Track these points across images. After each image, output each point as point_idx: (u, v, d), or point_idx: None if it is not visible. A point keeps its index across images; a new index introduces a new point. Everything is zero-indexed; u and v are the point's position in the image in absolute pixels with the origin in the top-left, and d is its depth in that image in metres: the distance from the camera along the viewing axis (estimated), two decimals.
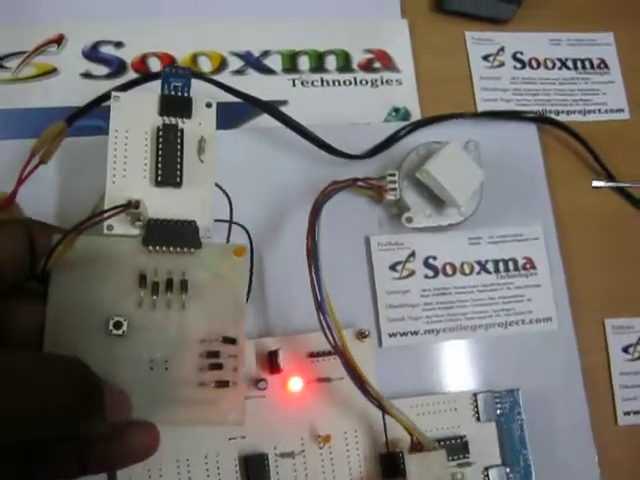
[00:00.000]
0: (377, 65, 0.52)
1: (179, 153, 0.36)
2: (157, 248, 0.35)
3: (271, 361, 0.42)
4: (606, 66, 0.56)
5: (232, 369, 0.35)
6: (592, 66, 0.55)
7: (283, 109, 0.49)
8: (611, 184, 0.52)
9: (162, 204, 0.36)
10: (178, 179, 0.36)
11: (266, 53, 0.51)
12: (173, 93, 0.37)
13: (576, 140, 0.52)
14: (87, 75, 0.49)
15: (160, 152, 0.36)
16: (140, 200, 0.34)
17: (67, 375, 0.28)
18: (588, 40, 0.56)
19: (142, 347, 0.34)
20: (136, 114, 0.37)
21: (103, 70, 0.49)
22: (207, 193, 0.37)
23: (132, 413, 0.32)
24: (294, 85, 0.51)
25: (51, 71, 0.48)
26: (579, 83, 0.55)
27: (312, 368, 0.43)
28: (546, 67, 0.55)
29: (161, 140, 0.36)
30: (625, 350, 0.49)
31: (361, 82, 0.52)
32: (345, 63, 0.52)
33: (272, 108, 0.45)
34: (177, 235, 0.35)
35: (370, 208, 0.48)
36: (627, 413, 0.48)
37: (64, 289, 0.34)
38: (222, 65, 0.51)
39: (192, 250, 0.35)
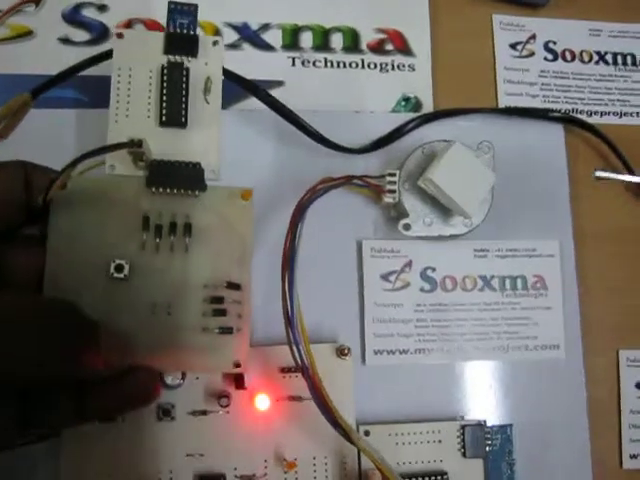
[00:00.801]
0: (389, 47, 0.47)
1: (184, 93, 0.36)
2: (161, 190, 0.34)
3: (237, 376, 0.38)
4: None
5: (236, 315, 0.34)
6: (634, 62, 0.49)
7: (278, 91, 0.44)
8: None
9: (166, 145, 0.35)
10: (183, 119, 0.35)
11: (265, 26, 0.46)
12: (179, 31, 0.36)
13: (608, 147, 0.46)
14: (65, 40, 0.44)
15: (165, 91, 0.36)
16: (143, 139, 0.33)
17: (62, 317, 0.28)
18: (634, 32, 0.50)
19: (144, 291, 0.33)
20: (140, 52, 0.36)
21: (83, 36, 0.44)
22: (213, 134, 0.36)
23: (133, 358, 0.32)
24: (293, 64, 0.45)
25: (27, 34, 0.44)
26: (617, 81, 0.49)
27: (283, 384, 0.39)
28: (581, 60, 0.49)
29: (166, 79, 0.36)
30: (639, 386, 0.44)
31: (369, 65, 0.46)
32: (353, 42, 0.46)
33: (261, 91, 0.40)
34: (182, 177, 0.34)
35: (366, 208, 0.43)
36: (634, 456, 0.43)
37: (64, 230, 0.33)
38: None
39: (197, 193, 0.34)
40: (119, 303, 0.33)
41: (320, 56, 0.46)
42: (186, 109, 0.36)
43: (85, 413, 0.31)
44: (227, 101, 0.40)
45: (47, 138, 0.42)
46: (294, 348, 0.35)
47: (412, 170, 0.42)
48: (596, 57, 0.49)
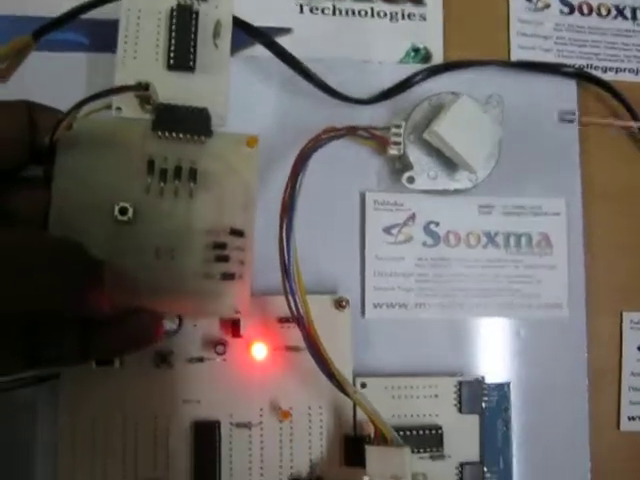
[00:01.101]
0: None
1: (193, 36, 0.36)
2: (167, 134, 0.34)
3: (233, 324, 0.38)
4: None
5: (239, 262, 0.34)
6: None
7: (286, 38, 0.43)
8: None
9: (174, 89, 0.35)
10: (191, 63, 0.35)
11: None
12: None
13: (621, 104, 0.45)
14: None
15: (173, 34, 0.35)
16: (150, 82, 0.33)
17: (69, 255, 0.29)
18: None
19: (148, 235, 0.33)
20: None
21: None
22: (222, 80, 0.36)
23: (136, 300, 0.32)
24: (301, 11, 0.44)
25: None
26: (636, 36, 0.47)
27: (280, 334, 0.39)
28: (599, 14, 0.47)
29: (175, 22, 0.36)
30: None
31: (379, 14, 0.45)
32: None
33: (266, 38, 0.40)
34: (188, 122, 0.34)
35: (370, 160, 0.43)
36: (632, 418, 0.43)
37: (70, 171, 0.33)
38: None
39: (203, 138, 0.34)
40: (123, 245, 0.33)
41: (329, 3, 0.44)
42: (194, 53, 0.36)
43: (89, 352, 0.31)
44: (233, 48, 0.39)
45: (49, 82, 0.41)
46: (290, 298, 0.35)
47: (418, 122, 0.41)
48: (614, 11, 0.47)
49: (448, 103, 0.39)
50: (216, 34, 0.36)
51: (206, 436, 0.38)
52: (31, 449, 0.38)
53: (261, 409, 0.39)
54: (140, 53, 0.36)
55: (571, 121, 0.44)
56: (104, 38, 0.41)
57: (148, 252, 0.33)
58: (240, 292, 0.34)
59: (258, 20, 0.42)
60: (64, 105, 0.32)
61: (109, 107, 0.35)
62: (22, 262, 0.27)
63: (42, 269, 0.27)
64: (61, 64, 0.42)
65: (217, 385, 0.38)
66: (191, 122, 0.34)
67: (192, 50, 0.35)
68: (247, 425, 0.38)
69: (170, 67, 0.35)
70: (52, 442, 0.38)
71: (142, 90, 0.33)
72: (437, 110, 0.40)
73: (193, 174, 0.34)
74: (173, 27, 0.36)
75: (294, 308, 0.35)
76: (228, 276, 0.34)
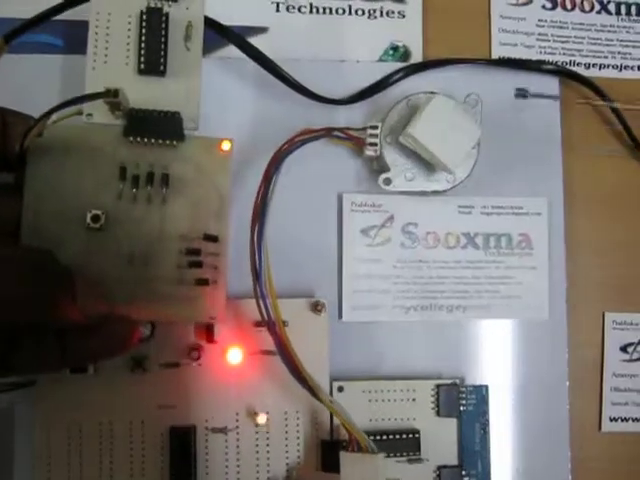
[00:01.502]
0: None
1: (164, 39, 0.35)
2: (138, 140, 0.34)
3: (207, 329, 0.38)
4: None
5: (213, 267, 0.34)
6: (639, 12, 0.47)
7: (262, 38, 0.43)
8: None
9: (145, 93, 0.35)
10: (162, 67, 0.35)
11: None
12: None
13: (604, 101, 0.44)
14: None
15: (143, 38, 0.35)
16: (119, 88, 0.32)
17: (37, 266, 0.28)
18: None
19: (121, 242, 0.33)
20: None
21: None
22: (193, 83, 0.35)
23: (110, 307, 0.32)
24: (278, 10, 0.44)
25: None
26: (620, 32, 0.46)
27: (256, 338, 0.39)
28: (582, 9, 0.46)
29: (145, 25, 0.35)
30: (623, 349, 0.43)
31: (357, 12, 0.44)
32: None
33: (239, 39, 0.39)
34: (159, 127, 0.34)
35: (348, 161, 0.42)
36: (613, 419, 0.43)
37: (41, 178, 0.33)
38: None
39: (175, 143, 0.34)
40: (96, 253, 0.33)
41: (306, 1, 0.44)
42: (165, 57, 0.35)
43: (64, 359, 0.31)
44: (206, 48, 0.39)
45: (20, 84, 0.41)
46: (261, 302, 0.35)
47: (395, 123, 0.40)
48: (598, 6, 0.46)
49: (422, 104, 0.39)
50: (187, 36, 0.36)
51: (182, 441, 0.38)
52: (9, 454, 0.38)
53: (237, 414, 0.38)
54: (110, 57, 0.35)
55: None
56: (79, 39, 0.41)
57: (121, 259, 0.33)
58: (215, 297, 0.34)
59: (233, 19, 0.42)
60: (40, 107, 0.32)
61: (80, 114, 0.35)
62: None
63: (12, 279, 0.27)
64: (35, 66, 0.41)
65: (192, 390, 0.38)
66: (163, 127, 0.34)
67: (163, 53, 0.35)
68: (223, 430, 0.38)
69: (141, 71, 0.35)
70: (30, 447, 0.37)
71: (111, 97, 0.32)
72: (414, 111, 0.39)
73: (165, 179, 0.34)
74: (143, 30, 0.35)
75: (265, 313, 0.35)
76: (202, 282, 0.34)
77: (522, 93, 0.44)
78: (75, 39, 0.41)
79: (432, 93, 0.40)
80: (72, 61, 0.41)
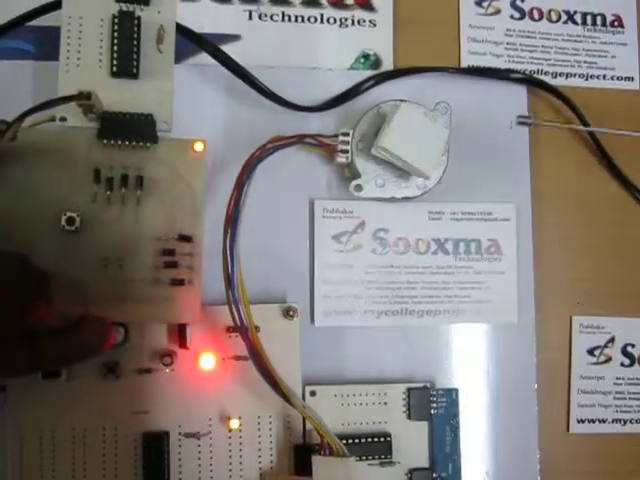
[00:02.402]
0: (350, 1, 0.45)
1: (136, 42, 0.36)
2: (112, 142, 0.34)
3: (180, 334, 0.38)
4: (621, 25, 0.48)
5: (188, 267, 0.35)
6: (604, 23, 0.48)
7: (234, 45, 0.43)
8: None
9: (118, 96, 0.35)
10: (134, 70, 0.35)
11: None
12: None
13: (571, 110, 0.45)
14: None
15: (116, 41, 0.35)
16: (92, 91, 0.33)
17: (12, 269, 0.29)
18: None
19: (96, 243, 0.34)
20: (91, 0, 0.36)
21: None
22: (166, 85, 0.36)
23: (85, 309, 0.33)
24: (250, 18, 0.44)
25: None
26: (585, 42, 0.47)
27: (229, 344, 0.39)
28: (549, 20, 0.47)
29: (117, 28, 0.35)
30: (591, 352, 0.44)
31: (328, 20, 0.45)
32: None
33: (210, 46, 0.39)
34: (133, 129, 0.34)
35: (320, 168, 0.43)
36: (581, 421, 0.44)
37: (15, 182, 0.33)
38: None
39: (148, 145, 0.35)
40: (71, 256, 0.33)
41: (278, 10, 0.44)
42: (138, 59, 0.36)
43: (37, 362, 0.31)
44: (179, 55, 0.39)
45: None
46: (233, 308, 0.35)
47: (366, 130, 0.41)
48: (565, 17, 0.47)
49: (389, 114, 0.39)
50: (159, 39, 0.36)
51: (155, 447, 0.38)
52: None
53: (210, 419, 0.39)
54: (83, 60, 0.36)
55: (524, 124, 0.45)
56: (51, 45, 0.41)
57: (96, 261, 0.34)
58: (190, 297, 0.35)
59: (206, 27, 0.43)
60: (11, 113, 0.32)
61: (53, 120, 0.35)
62: None
63: None
64: (6, 72, 0.41)
65: (165, 396, 0.38)
66: (136, 129, 0.34)
67: (135, 56, 0.36)
68: (196, 435, 0.38)
69: (114, 74, 0.35)
70: (1, 453, 0.37)
71: (84, 99, 0.33)
72: (383, 119, 0.40)
73: (140, 181, 0.34)
74: (115, 34, 0.36)
75: (238, 318, 0.35)
76: (177, 282, 0.34)
77: (522, 121, 0.45)
78: (46, 45, 0.42)
79: (402, 101, 0.40)
80: (43, 67, 0.41)
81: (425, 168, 0.39)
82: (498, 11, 0.47)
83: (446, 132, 0.40)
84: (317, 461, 0.36)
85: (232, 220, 0.36)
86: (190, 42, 0.40)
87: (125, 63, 0.35)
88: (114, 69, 0.35)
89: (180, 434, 0.38)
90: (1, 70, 0.41)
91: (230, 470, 0.38)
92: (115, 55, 0.35)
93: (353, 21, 0.45)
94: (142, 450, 0.38)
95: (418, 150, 0.39)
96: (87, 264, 0.34)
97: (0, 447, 0.37)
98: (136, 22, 0.36)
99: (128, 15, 0.36)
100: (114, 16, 0.36)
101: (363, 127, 0.41)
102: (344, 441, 0.37)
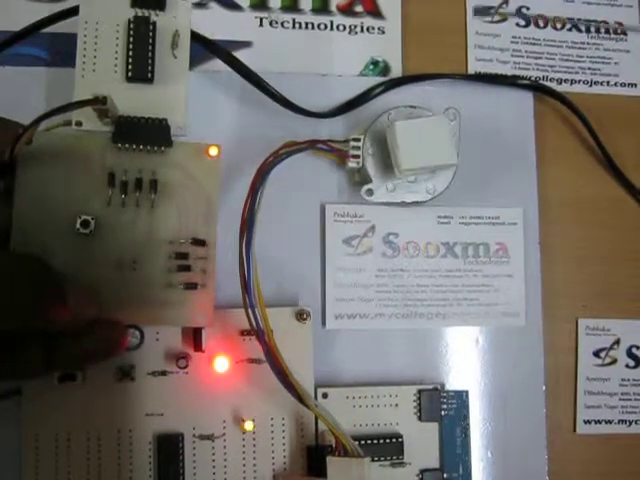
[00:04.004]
0: (359, 9, 0.46)
1: (151, 47, 0.36)
2: (126, 146, 0.34)
3: (195, 337, 0.38)
4: (624, 32, 0.49)
5: (201, 271, 0.35)
6: (607, 31, 0.48)
7: (246, 52, 0.44)
8: None
9: (133, 100, 0.36)
10: (149, 74, 0.36)
11: None
12: None
13: (576, 115, 0.46)
14: None
15: (131, 46, 0.36)
16: (108, 95, 0.33)
17: (30, 271, 0.29)
18: (607, 0, 0.49)
19: (110, 247, 0.34)
20: (107, 5, 0.36)
21: None
22: (180, 90, 0.36)
23: (99, 312, 0.33)
24: (261, 25, 0.45)
25: None
26: (589, 49, 0.48)
27: (242, 347, 0.39)
28: (554, 27, 0.48)
29: (132, 33, 0.36)
30: (596, 354, 0.45)
31: (338, 27, 0.45)
32: (322, 4, 0.46)
33: (224, 53, 0.40)
34: (147, 133, 0.34)
35: (331, 173, 0.43)
36: (587, 422, 0.44)
37: (31, 185, 0.33)
38: None
39: (163, 149, 0.35)
40: (86, 258, 0.34)
41: (288, 17, 0.45)
42: (153, 64, 0.36)
43: (52, 364, 0.31)
44: (192, 62, 0.39)
45: (7, 96, 0.41)
46: (250, 312, 0.35)
47: (377, 135, 0.41)
48: (569, 24, 0.48)
49: (389, 137, 0.40)
50: (174, 44, 0.37)
51: (170, 449, 0.38)
52: None
53: (224, 421, 0.39)
54: (99, 65, 0.36)
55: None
56: (63, 52, 0.42)
57: (110, 264, 0.34)
58: (204, 300, 0.35)
59: (217, 34, 0.43)
60: (24, 119, 0.33)
61: (69, 124, 0.35)
62: None
63: (4, 286, 0.28)
64: (20, 78, 0.42)
65: (180, 398, 0.39)
66: (151, 133, 0.35)
67: (150, 61, 0.36)
68: (210, 437, 0.39)
69: (129, 79, 0.36)
70: (16, 457, 0.37)
71: (100, 104, 0.33)
72: (390, 141, 0.40)
73: (154, 185, 0.35)
74: (131, 39, 0.36)
75: (254, 322, 0.36)
76: (191, 285, 0.35)
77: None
78: (60, 51, 0.42)
79: (413, 107, 0.41)
80: (56, 73, 0.42)
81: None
82: (504, 19, 0.48)
83: (457, 141, 0.40)
84: (332, 462, 0.36)
85: (248, 224, 0.36)
86: (201, 49, 0.40)
87: (140, 68, 0.36)
88: (129, 74, 0.36)
89: (194, 436, 0.39)
90: (15, 76, 0.42)
91: (244, 472, 0.39)
92: (130, 60, 0.36)
93: (362, 28, 0.46)
94: (157, 452, 0.38)
95: (433, 149, 0.39)
96: (101, 267, 0.34)
97: (15, 450, 0.38)
98: (151, 27, 0.36)
99: (144, 20, 0.36)
100: (130, 21, 0.36)
101: (374, 132, 0.41)
102: (356, 442, 0.37)
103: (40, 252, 0.32)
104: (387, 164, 0.41)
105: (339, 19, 0.46)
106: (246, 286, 0.35)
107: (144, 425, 0.38)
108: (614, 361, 0.45)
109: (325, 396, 0.40)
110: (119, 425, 0.38)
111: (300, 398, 0.36)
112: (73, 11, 0.38)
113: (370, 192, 0.41)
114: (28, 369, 0.31)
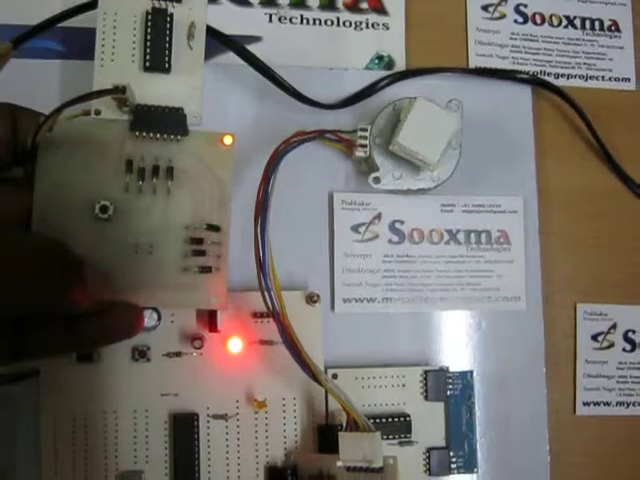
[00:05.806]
0: (364, 6, 0.48)
1: (168, 38, 0.36)
2: (144, 134, 0.35)
3: (210, 319, 0.40)
4: (618, 29, 0.51)
5: (215, 256, 0.35)
6: (602, 27, 0.50)
7: (255, 46, 0.45)
8: None
9: (150, 90, 0.36)
10: (167, 65, 0.36)
11: None
12: None
13: (573, 108, 0.48)
14: None
15: (149, 37, 0.36)
16: (127, 85, 0.34)
17: (51, 253, 0.30)
18: None
19: (127, 231, 0.35)
20: None
21: None
22: (196, 80, 0.37)
23: (116, 294, 0.34)
24: (270, 20, 0.46)
25: None
26: (584, 45, 0.50)
27: (255, 329, 0.41)
28: (551, 24, 0.50)
29: (150, 24, 0.36)
30: (594, 338, 0.47)
31: (344, 23, 0.47)
32: (329, 0, 0.47)
33: (238, 46, 0.41)
34: (164, 122, 0.35)
35: (338, 162, 0.45)
36: (586, 403, 0.46)
37: (51, 171, 0.34)
38: None
39: (179, 137, 0.36)
40: (103, 242, 0.34)
41: (297, 13, 0.47)
42: (169, 55, 0.37)
43: (72, 343, 0.32)
44: (206, 55, 0.40)
45: (20, 88, 0.41)
46: (265, 294, 0.37)
47: (383, 126, 0.43)
48: (565, 21, 0.50)
49: (404, 110, 0.41)
50: (190, 35, 0.37)
51: (185, 428, 0.39)
52: (12, 445, 0.39)
53: (237, 401, 0.40)
54: (117, 56, 0.37)
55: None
56: (78, 45, 0.43)
57: (127, 248, 0.35)
58: (217, 284, 0.36)
59: (228, 29, 0.44)
60: (40, 110, 0.34)
61: (88, 112, 0.36)
62: (6, 261, 0.28)
63: (26, 267, 0.28)
64: (36, 71, 0.43)
65: (194, 378, 0.40)
66: (167, 122, 0.36)
67: (167, 52, 0.37)
68: (224, 417, 0.40)
69: (146, 69, 0.36)
70: (33, 437, 0.39)
71: (119, 93, 0.34)
72: (399, 115, 0.42)
73: (170, 172, 0.35)
74: (148, 30, 0.37)
75: (270, 303, 0.37)
76: (205, 269, 0.35)
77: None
78: (74, 44, 0.43)
79: (414, 98, 0.43)
80: (71, 66, 0.43)
81: (431, 157, 0.41)
82: (503, 16, 0.49)
83: (460, 131, 0.42)
84: (344, 437, 0.37)
85: (262, 208, 0.37)
86: (214, 42, 0.41)
87: (158, 58, 0.36)
88: (147, 64, 0.36)
89: (209, 415, 0.40)
90: (31, 69, 0.43)
91: (256, 450, 0.40)
92: (148, 50, 0.36)
93: (367, 24, 0.47)
94: (172, 431, 0.39)
95: (430, 141, 0.41)
96: (119, 251, 0.35)
97: (33, 430, 0.39)
98: (168, 19, 0.37)
99: (161, 12, 0.37)
100: (147, 12, 0.37)
101: (380, 123, 0.43)
102: None
103: (60, 236, 0.32)
104: (393, 153, 0.42)
105: (345, 15, 0.47)
106: (262, 268, 0.37)
107: (160, 405, 0.39)
108: (611, 345, 0.47)
109: (335, 377, 0.42)
110: (135, 405, 0.39)
111: (314, 375, 0.37)
112: (90, 5, 0.39)
113: (377, 180, 0.43)
114: (48, 349, 0.32)
